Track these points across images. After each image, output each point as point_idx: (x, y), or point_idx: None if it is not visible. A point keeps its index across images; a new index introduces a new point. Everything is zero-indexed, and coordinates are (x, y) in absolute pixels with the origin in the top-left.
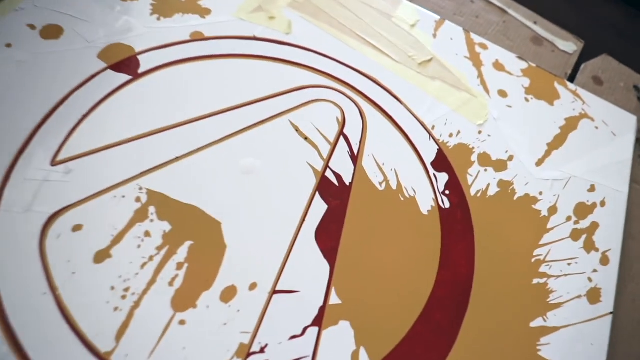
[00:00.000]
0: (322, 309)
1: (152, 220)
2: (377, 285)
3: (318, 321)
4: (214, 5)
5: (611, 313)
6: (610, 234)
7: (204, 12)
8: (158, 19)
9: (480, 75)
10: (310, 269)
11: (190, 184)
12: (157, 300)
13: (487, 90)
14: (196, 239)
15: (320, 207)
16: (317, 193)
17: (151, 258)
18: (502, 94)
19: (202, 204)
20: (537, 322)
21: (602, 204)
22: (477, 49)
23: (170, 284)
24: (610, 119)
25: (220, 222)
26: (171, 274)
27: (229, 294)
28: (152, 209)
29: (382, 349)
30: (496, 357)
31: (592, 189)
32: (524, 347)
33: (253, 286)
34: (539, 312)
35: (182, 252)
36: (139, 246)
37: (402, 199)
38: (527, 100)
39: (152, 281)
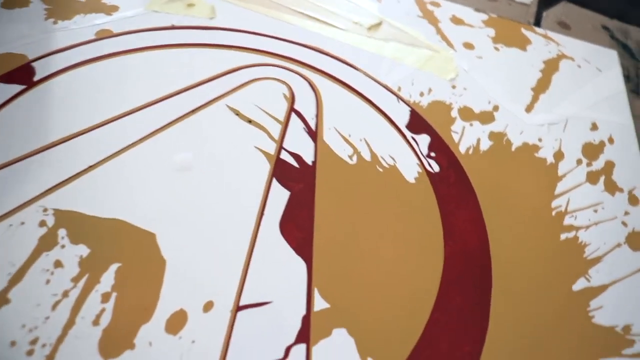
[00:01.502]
0: (306, 320)
1: (63, 246)
2: (372, 277)
3: (304, 336)
4: (122, 2)
5: None
6: (630, 171)
7: (110, 10)
8: (55, 22)
9: (439, 32)
10: (281, 270)
11: (110, 194)
12: (79, 348)
13: (450, 45)
14: (124, 259)
15: (281, 195)
16: (273, 179)
17: (66, 294)
18: (468, 46)
19: (128, 215)
20: (580, 284)
21: (611, 140)
22: (429, 7)
23: (95, 323)
24: (590, 56)
25: (154, 234)
26: (95, 309)
27: (177, 322)
28: (62, 232)
29: (395, 356)
30: (544, 337)
31: (594, 127)
32: (573, 316)
33: (208, 306)
34: (579, 272)
35: (107, 279)
36: (47, 281)
37: (381, 169)
38: (496, 49)
39: (70, 324)
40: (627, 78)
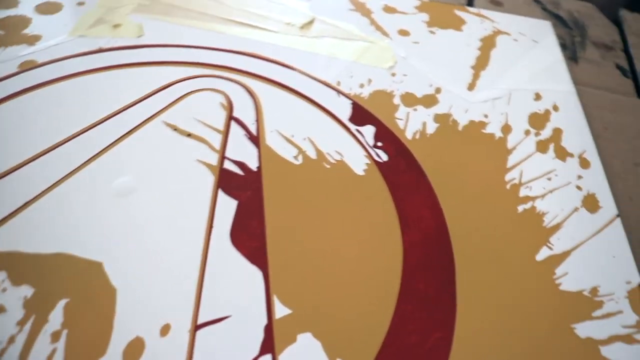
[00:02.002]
0: (268, 329)
1: (4, 290)
2: (332, 276)
3: (268, 346)
4: (44, 31)
5: (618, 216)
6: (578, 136)
7: (33, 40)
8: None
9: (373, 22)
10: (237, 282)
11: (51, 228)
12: None
13: (385, 34)
14: (72, 293)
15: (228, 206)
16: (219, 190)
17: (12, 340)
18: (404, 33)
19: (72, 247)
20: (543, 253)
21: (555, 108)
22: None
23: None
24: (525, 29)
25: (101, 263)
26: (46, 351)
27: (135, 351)
28: (1, 276)
29: (365, 353)
30: (513, 311)
31: (537, 97)
32: (540, 286)
33: (165, 329)
34: (541, 241)
35: (55, 317)
36: None
37: (328, 166)
38: (432, 32)
39: None
40: (563, 47)
